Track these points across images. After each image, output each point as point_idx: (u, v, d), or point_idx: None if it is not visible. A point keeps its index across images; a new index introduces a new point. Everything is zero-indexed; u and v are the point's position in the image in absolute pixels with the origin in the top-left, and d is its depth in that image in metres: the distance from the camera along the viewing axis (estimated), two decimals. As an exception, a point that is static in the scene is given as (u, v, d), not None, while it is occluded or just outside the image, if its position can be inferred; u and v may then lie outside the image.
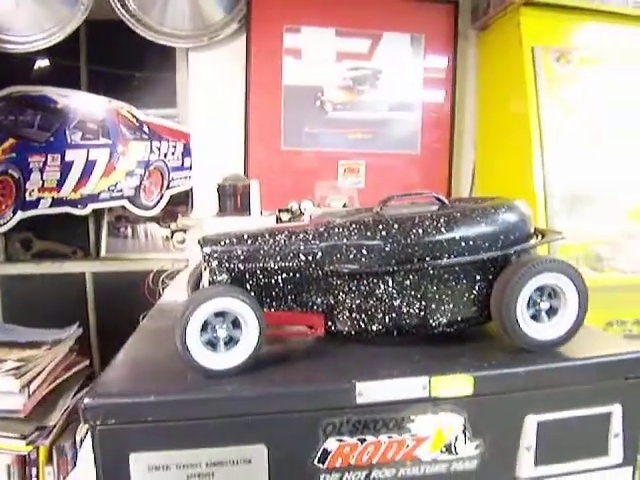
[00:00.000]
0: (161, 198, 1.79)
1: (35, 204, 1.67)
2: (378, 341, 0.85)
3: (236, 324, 0.75)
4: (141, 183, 1.76)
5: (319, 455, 0.73)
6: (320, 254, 0.81)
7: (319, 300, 0.83)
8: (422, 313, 0.80)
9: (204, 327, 0.74)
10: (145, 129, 1.75)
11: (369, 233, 0.79)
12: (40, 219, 1.75)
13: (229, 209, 1.38)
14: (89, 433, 0.71)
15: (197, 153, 1.67)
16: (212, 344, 0.75)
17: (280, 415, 0.72)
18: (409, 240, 0.78)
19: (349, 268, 0.79)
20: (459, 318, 0.82)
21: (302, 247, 0.81)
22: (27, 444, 1.25)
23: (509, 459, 0.77)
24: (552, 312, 0.80)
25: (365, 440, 0.74)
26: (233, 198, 1.38)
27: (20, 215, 1.66)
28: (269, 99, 1.65)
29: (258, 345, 0.75)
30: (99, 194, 1.73)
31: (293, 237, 0.82)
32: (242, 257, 0.82)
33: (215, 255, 0.82)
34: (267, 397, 0.72)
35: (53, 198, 1.69)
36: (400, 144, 1.72)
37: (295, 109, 1.66)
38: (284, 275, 0.82)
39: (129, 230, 1.86)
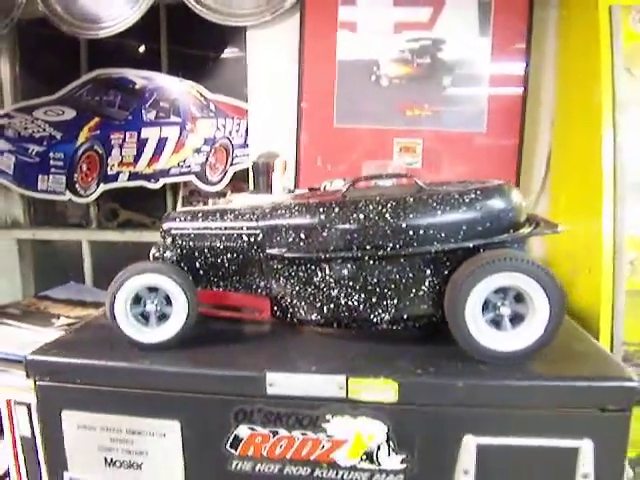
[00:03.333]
0: (225, 174, 1.85)
1: (115, 177, 1.83)
2: (328, 332, 0.80)
3: (170, 301, 0.76)
4: (207, 160, 1.84)
5: (231, 440, 0.71)
6: (261, 236, 0.78)
7: (262, 283, 0.80)
8: (361, 307, 0.73)
9: (137, 301, 0.76)
10: (212, 107, 1.82)
11: (308, 216, 0.74)
12: (126, 192, 1.91)
13: (262, 186, 1.38)
14: (34, 388, 0.77)
15: (253, 131, 1.69)
16: (146, 318, 0.76)
17: (193, 395, 0.72)
18: (348, 226, 0.72)
19: (282, 252, 0.75)
20: (405, 316, 0.73)
21: (245, 228, 0.79)
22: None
23: (443, 480, 0.68)
24: (517, 320, 0.68)
25: (277, 433, 0.70)
26: (266, 176, 1.38)
27: (102, 187, 1.83)
28: (322, 75, 1.59)
29: (187, 323, 0.75)
30: (169, 169, 1.84)
31: (240, 217, 0.80)
32: (192, 235, 0.82)
33: (170, 232, 0.83)
34: (180, 375, 0.72)
35: (130, 172, 1.83)
36: (463, 122, 1.55)
37: (349, 85, 1.59)
38: (229, 255, 0.80)
39: (200, 204, 1.95)
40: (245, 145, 1.84)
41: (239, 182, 1.91)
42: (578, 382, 0.65)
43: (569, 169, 1.45)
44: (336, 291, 0.74)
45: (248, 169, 1.84)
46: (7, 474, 1.30)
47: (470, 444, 0.66)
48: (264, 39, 1.65)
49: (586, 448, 0.65)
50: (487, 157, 1.56)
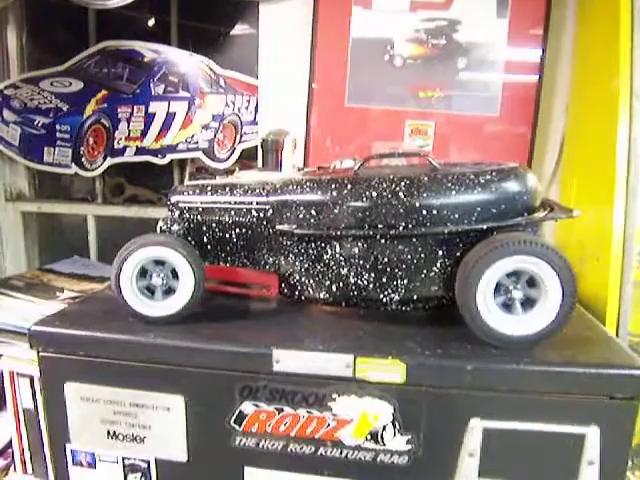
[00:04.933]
0: (233, 151, 1.84)
1: (122, 152, 1.81)
2: (336, 310, 0.79)
3: (176, 275, 0.75)
4: (215, 136, 1.82)
5: (235, 416, 0.71)
6: (271, 211, 0.76)
7: (271, 260, 0.79)
8: (371, 286, 0.72)
9: (144, 274, 0.75)
10: (221, 83, 1.79)
11: (320, 192, 0.73)
12: (132, 167, 1.90)
13: (271, 164, 1.36)
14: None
15: (263, 108, 1.66)
16: (152, 291, 0.75)
17: (198, 370, 0.71)
18: (360, 203, 0.70)
19: (292, 228, 0.73)
20: (415, 297, 0.72)
21: (255, 203, 0.77)
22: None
23: (448, 463, 0.68)
24: (529, 304, 0.67)
25: (282, 410, 0.70)
26: (275, 153, 1.36)
27: (109, 161, 1.81)
28: (335, 52, 1.56)
29: (194, 297, 0.74)
30: (177, 145, 1.82)
31: (250, 192, 0.78)
32: (201, 209, 0.80)
33: (178, 205, 0.82)
34: (185, 350, 0.71)
35: (137, 147, 1.81)
36: (476, 105, 1.52)
37: (362, 63, 1.56)
38: (237, 230, 0.79)
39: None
40: (254, 122, 1.82)
41: (247, 160, 1.90)
42: (587, 369, 0.64)
43: (582, 157, 1.42)
44: (346, 270, 0.72)
45: (257, 147, 1.83)
46: (9, 446, 1.30)
47: (476, 427, 0.65)
48: (277, 14, 1.61)
49: (593, 435, 0.64)
50: (499, 142, 1.53)
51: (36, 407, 1.29)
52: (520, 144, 1.53)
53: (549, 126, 1.52)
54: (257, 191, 0.78)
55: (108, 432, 0.75)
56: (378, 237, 0.70)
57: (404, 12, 1.54)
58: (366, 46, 1.57)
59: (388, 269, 0.71)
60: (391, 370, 0.66)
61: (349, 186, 0.71)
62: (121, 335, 0.72)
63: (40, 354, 0.75)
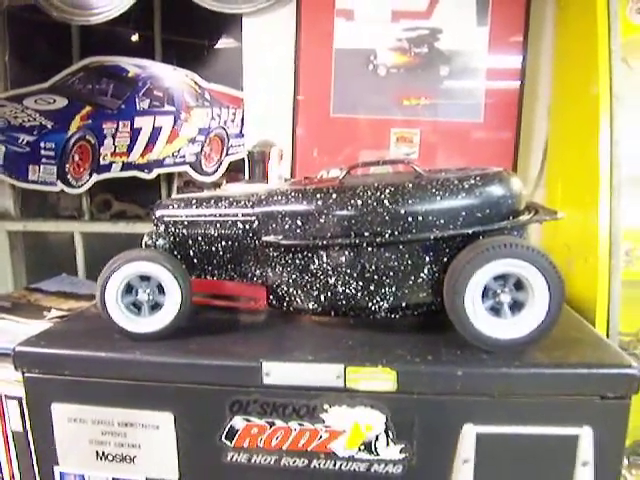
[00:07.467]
0: (221, 164, 1.83)
1: (108, 168, 1.80)
2: (325, 320, 0.79)
3: (163, 290, 0.74)
4: (202, 149, 1.81)
5: (226, 432, 0.70)
6: (257, 223, 0.76)
7: (258, 272, 0.78)
8: (359, 295, 0.72)
9: (129, 290, 0.74)
10: (207, 96, 1.79)
11: (305, 202, 0.72)
12: (119, 182, 1.88)
13: (258, 176, 1.36)
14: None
15: (249, 120, 1.67)
16: (138, 307, 0.74)
17: (187, 386, 0.70)
18: (345, 212, 0.70)
19: (278, 239, 0.73)
20: (403, 304, 0.71)
21: (240, 215, 0.77)
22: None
23: (443, 470, 0.67)
24: (517, 307, 0.67)
25: (274, 424, 0.69)
26: (262, 165, 1.36)
27: (95, 178, 1.80)
28: (319, 63, 1.57)
29: (180, 312, 0.73)
30: (163, 159, 1.81)
31: (235, 204, 0.78)
32: (186, 222, 0.80)
33: (163, 219, 0.81)
34: (173, 366, 0.70)
35: (123, 162, 1.80)
36: (460, 112, 1.54)
37: (346, 74, 1.57)
38: (223, 243, 0.78)
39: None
40: (241, 135, 1.82)
41: (235, 172, 1.89)
42: (578, 369, 0.64)
43: (566, 160, 1.44)
44: (333, 279, 0.72)
45: (244, 159, 1.82)
46: (-1, 469, 1.27)
47: (469, 433, 0.65)
48: (260, 27, 1.62)
49: (586, 436, 0.64)
50: (484, 148, 1.54)
51: (25, 430, 1.26)
52: (505, 149, 1.54)
53: (532, 130, 1.54)
54: (242, 203, 0.77)
55: (97, 453, 0.73)
56: (364, 245, 0.70)
57: (386, 22, 1.55)
58: (350, 56, 1.58)
59: (376, 277, 0.71)
60: (382, 378, 0.65)
61: (334, 195, 0.71)
62: (108, 353, 0.71)
63: (25, 375, 0.73)
